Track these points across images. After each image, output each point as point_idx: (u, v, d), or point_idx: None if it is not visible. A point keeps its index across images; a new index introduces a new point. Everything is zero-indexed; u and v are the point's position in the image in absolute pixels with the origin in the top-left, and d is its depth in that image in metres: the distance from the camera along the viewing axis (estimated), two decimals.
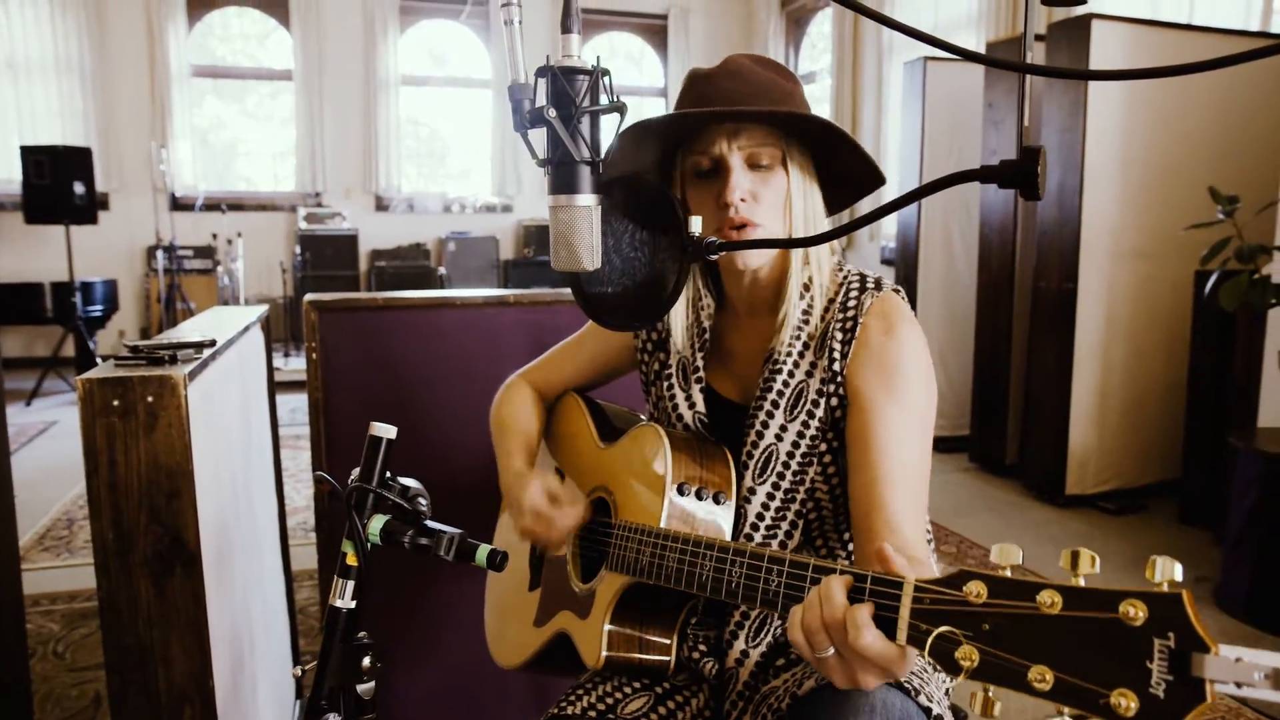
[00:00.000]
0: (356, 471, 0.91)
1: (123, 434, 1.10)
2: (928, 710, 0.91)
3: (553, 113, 0.72)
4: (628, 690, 1.11)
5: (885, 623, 0.68)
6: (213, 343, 1.33)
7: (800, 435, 1.07)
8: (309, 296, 1.69)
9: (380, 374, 1.73)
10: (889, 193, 4.92)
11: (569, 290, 1.94)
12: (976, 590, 0.63)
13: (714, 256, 0.85)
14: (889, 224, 6.31)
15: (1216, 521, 3.52)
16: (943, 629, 0.64)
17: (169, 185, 7.43)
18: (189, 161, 7.81)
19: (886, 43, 6.98)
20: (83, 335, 6.10)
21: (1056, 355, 3.87)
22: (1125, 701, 0.54)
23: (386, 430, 0.90)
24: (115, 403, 1.09)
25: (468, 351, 1.78)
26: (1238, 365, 3.52)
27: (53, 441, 5.00)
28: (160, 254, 7.06)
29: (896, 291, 1.10)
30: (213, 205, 7.66)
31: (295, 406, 6.00)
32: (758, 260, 1.07)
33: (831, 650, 0.71)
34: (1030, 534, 3.60)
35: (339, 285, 7.56)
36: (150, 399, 1.10)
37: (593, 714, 1.09)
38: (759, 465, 1.08)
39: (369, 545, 0.88)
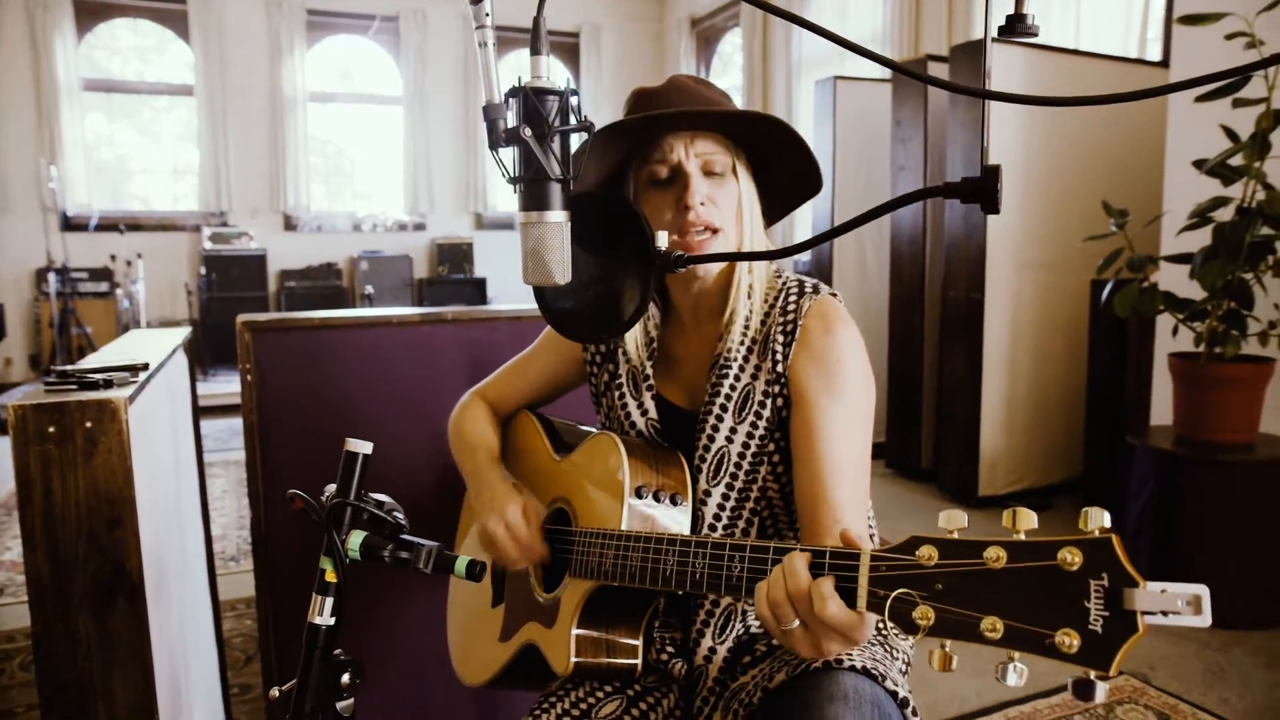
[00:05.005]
0: (332, 488, 0.90)
1: (59, 461, 1.05)
2: (894, 694, 0.96)
3: (528, 132, 0.74)
4: (600, 695, 1.13)
5: (845, 593, 0.74)
6: (145, 366, 1.29)
7: (750, 436, 1.12)
8: (242, 317, 1.65)
9: (317, 395, 1.70)
10: (802, 210, 5.04)
11: (507, 308, 1.95)
12: (928, 554, 0.68)
13: (680, 269, 0.88)
14: (804, 237, 6.47)
15: (1116, 515, 3.72)
16: (898, 591, 0.69)
17: (59, 204, 7.08)
18: (81, 179, 7.46)
19: (795, 61, 7.18)
20: None
21: (966, 362, 4.03)
22: (1069, 639, 0.59)
23: (362, 446, 0.90)
24: (51, 429, 1.05)
25: (406, 371, 1.76)
26: (1131, 369, 3.74)
27: None
28: (52, 277, 6.72)
29: (834, 295, 1.16)
30: (109, 225, 7.34)
31: (206, 432, 5.77)
32: (713, 267, 1.12)
33: (797, 622, 0.77)
34: None
35: (247, 306, 7.33)
36: (89, 424, 1.06)
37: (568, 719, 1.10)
38: (712, 468, 1.12)
39: (348, 561, 0.88)
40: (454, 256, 8.59)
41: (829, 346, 1.09)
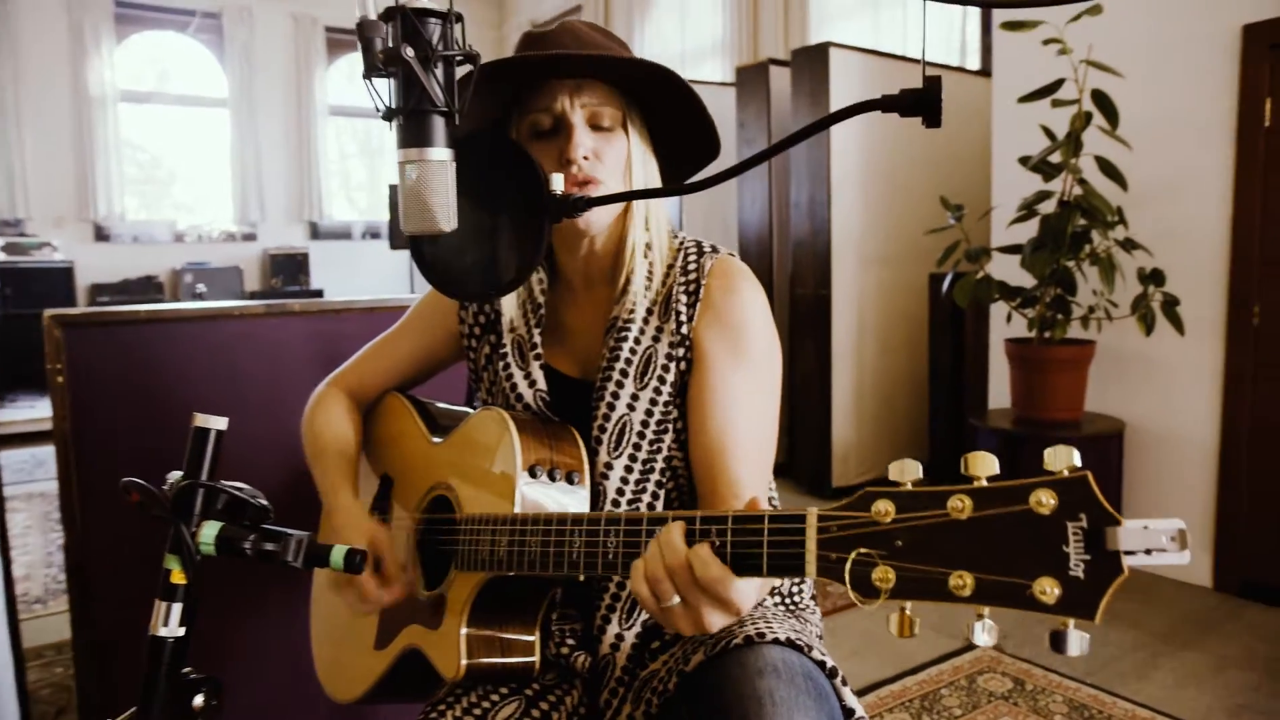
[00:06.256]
0: (176, 475, 0.77)
1: None
2: (821, 664, 0.91)
3: (410, 52, 0.65)
4: (495, 698, 1.03)
5: (791, 558, 0.67)
6: None
7: (652, 403, 1.04)
8: (50, 312, 1.45)
9: (145, 399, 1.51)
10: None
11: (360, 299, 1.81)
12: (884, 509, 0.62)
13: (579, 214, 0.80)
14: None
15: None
16: (858, 551, 0.62)
17: None
18: None
19: None
20: None
21: (816, 357, 4.15)
22: (1048, 588, 0.55)
23: (216, 421, 0.77)
24: None
25: (249, 369, 1.60)
26: (969, 355, 3.96)
27: None
28: None
29: (732, 256, 1.10)
30: None
31: (5, 463, 5.20)
32: (601, 222, 1.03)
33: (676, 599, 0.72)
34: None
35: None
36: None
37: None
38: (613, 438, 1.04)
39: (199, 557, 0.75)
40: (288, 268, 8.13)
41: (733, 306, 1.04)
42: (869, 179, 4.09)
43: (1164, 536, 0.53)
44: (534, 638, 1.00)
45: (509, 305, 1.11)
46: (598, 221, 1.03)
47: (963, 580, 0.57)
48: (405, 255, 6.84)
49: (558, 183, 0.82)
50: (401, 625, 1.09)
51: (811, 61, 3.99)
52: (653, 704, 0.96)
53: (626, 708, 0.99)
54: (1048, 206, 3.02)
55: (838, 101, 3.98)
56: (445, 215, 0.70)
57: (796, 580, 1.15)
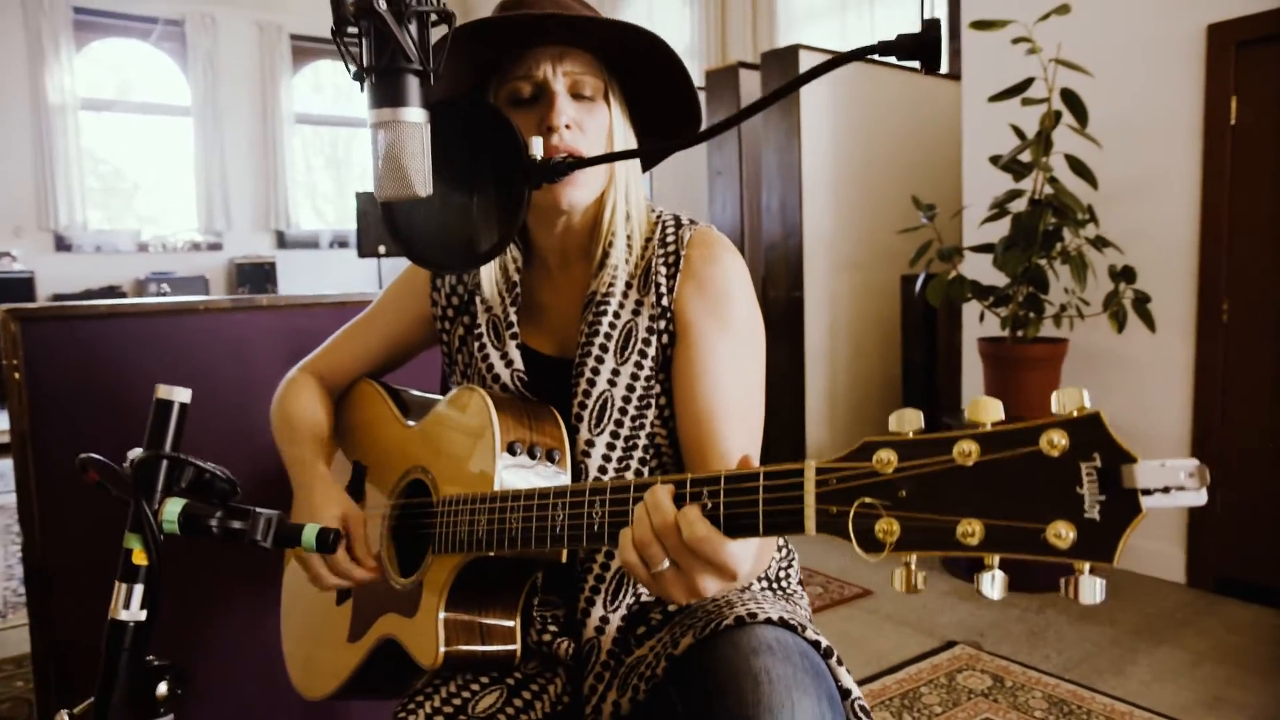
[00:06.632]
0: (137, 453, 0.73)
1: None
2: (816, 644, 0.89)
3: (383, 4, 0.62)
4: (476, 687, 0.98)
5: (789, 514, 0.64)
6: None
7: (634, 378, 1.02)
8: (5, 306, 1.39)
9: (107, 397, 1.45)
10: None
11: (331, 294, 1.77)
12: (886, 458, 0.59)
13: (560, 178, 0.77)
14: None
15: None
16: (860, 503, 0.59)
17: None
18: None
19: None
20: None
21: (789, 359, 4.15)
22: (1063, 531, 0.52)
23: (179, 393, 0.73)
24: None
25: (216, 366, 1.55)
26: (942, 355, 3.97)
27: None
28: None
29: (710, 227, 1.08)
30: None
31: None
32: (582, 199, 1.00)
33: (666, 563, 0.70)
34: None
35: None
36: None
37: (439, 718, 0.95)
38: (594, 415, 1.01)
39: (162, 536, 0.70)
40: (255, 277, 8.02)
41: (715, 275, 1.01)
42: (840, 182, 4.11)
43: (1182, 473, 0.50)
44: (514, 623, 0.97)
45: (486, 280, 1.08)
46: (579, 198, 1.00)
47: (971, 528, 0.55)
48: (374, 263, 6.77)
49: (537, 147, 0.79)
50: (376, 615, 1.05)
51: (782, 64, 3.99)
52: (640, 690, 0.92)
53: (612, 694, 0.96)
54: (1019, 205, 3.04)
55: (808, 104, 3.99)
56: (420, 179, 0.67)
57: (784, 563, 1.13)
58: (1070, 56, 2.87)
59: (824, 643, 0.89)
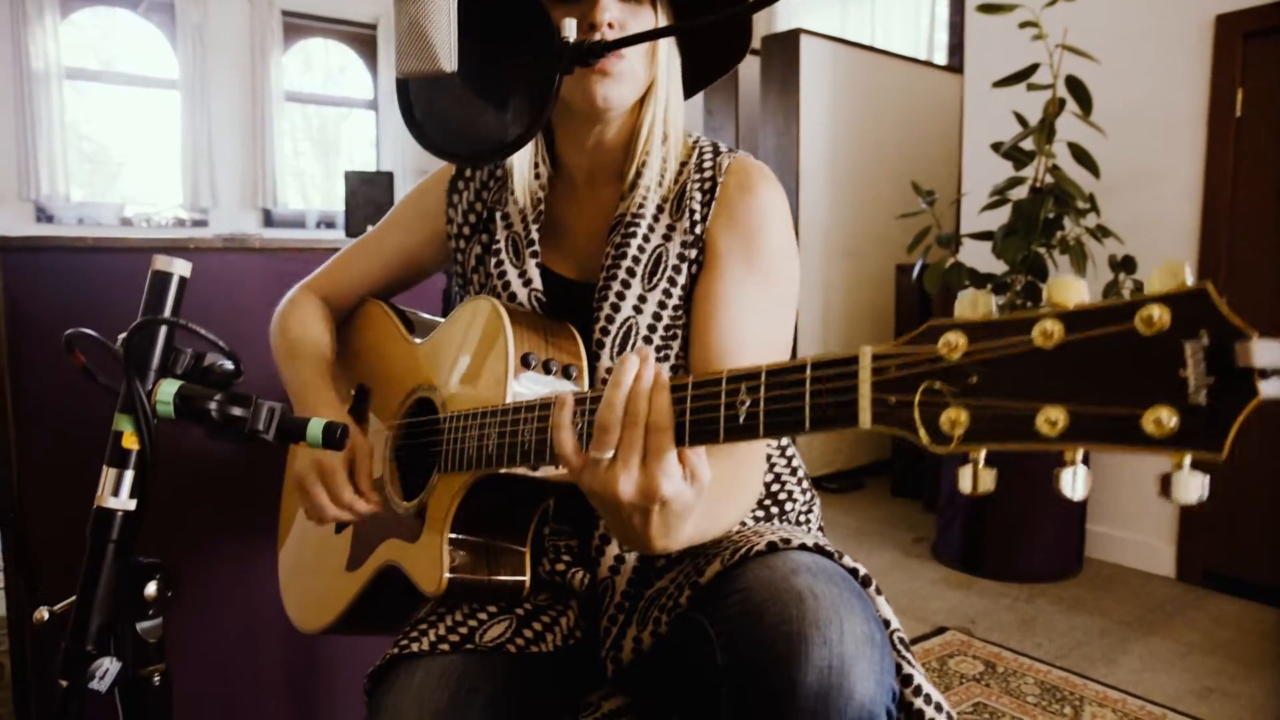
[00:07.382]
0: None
1: None
2: (854, 571, 0.84)
3: None
4: (483, 616, 0.93)
5: (843, 406, 0.56)
6: None
7: (661, 306, 0.96)
8: None
9: (89, 328, 1.39)
10: None
11: (326, 237, 1.70)
12: (954, 341, 0.51)
13: (596, 60, 0.72)
14: None
15: (923, 492, 3.90)
16: (925, 387, 0.52)
17: None
18: None
19: None
20: None
21: None
22: (1164, 418, 0.45)
23: (179, 265, 0.67)
24: None
25: (204, 308, 1.48)
26: None
27: None
28: None
29: (750, 156, 1.02)
30: None
31: None
32: (618, 94, 0.92)
33: (611, 452, 0.64)
34: None
35: None
36: None
37: (445, 647, 0.88)
38: (617, 342, 0.95)
39: (155, 420, 0.65)
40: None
41: (750, 209, 0.95)
42: (836, 172, 4.08)
43: None
44: (524, 550, 0.90)
45: (519, 180, 1.01)
46: (616, 95, 0.92)
47: (1054, 416, 0.47)
48: None
49: (570, 28, 0.74)
50: (377, 542, 0.99)
51: (782, 48, 3.96)
52: (661, 623, 0.86)
53: (631, 630, 0.90)
54: (1019, 193, 3.01)
55: (809, 90, 3.95)
56: (446, 53, 0.62)
57: (804, 507, 1.07)
58: (1076, 44, 2.85)
59: (862, 570, 0.84)
